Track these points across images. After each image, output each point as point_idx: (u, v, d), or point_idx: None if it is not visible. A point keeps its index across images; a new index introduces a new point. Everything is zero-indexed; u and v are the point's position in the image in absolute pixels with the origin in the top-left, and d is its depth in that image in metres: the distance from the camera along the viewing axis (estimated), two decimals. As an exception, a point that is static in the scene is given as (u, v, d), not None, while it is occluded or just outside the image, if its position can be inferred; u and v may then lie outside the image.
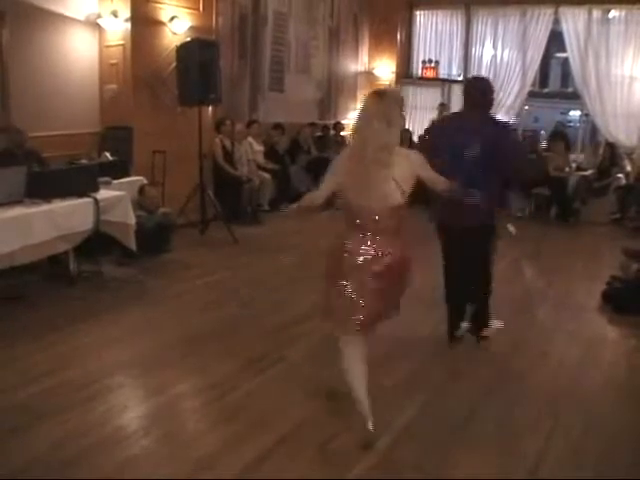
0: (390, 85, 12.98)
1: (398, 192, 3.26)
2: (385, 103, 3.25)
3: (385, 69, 12.98)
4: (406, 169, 3.30)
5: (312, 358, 4.51)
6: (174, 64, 7.71)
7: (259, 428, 3.54)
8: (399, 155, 3.30)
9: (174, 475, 3.08)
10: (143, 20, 7.65)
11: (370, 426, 3.39)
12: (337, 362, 3.51)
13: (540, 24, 11.77)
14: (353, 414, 3.71)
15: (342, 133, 11.97)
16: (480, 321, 4.78)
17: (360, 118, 3.30)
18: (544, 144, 11.51)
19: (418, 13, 13.15)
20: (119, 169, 6.87)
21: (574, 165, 10.64)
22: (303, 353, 4.60)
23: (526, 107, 13.47)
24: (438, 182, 3.51)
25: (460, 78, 12.74)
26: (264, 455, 3.27)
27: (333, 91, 12.10)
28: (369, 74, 13.08)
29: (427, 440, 3.50)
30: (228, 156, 8.88)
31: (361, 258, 3.31)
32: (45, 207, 5.39)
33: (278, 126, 10.25)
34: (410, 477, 3.18)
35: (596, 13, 11.12)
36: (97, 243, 5.92)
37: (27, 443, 3.30)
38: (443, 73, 12.83)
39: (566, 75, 20.39)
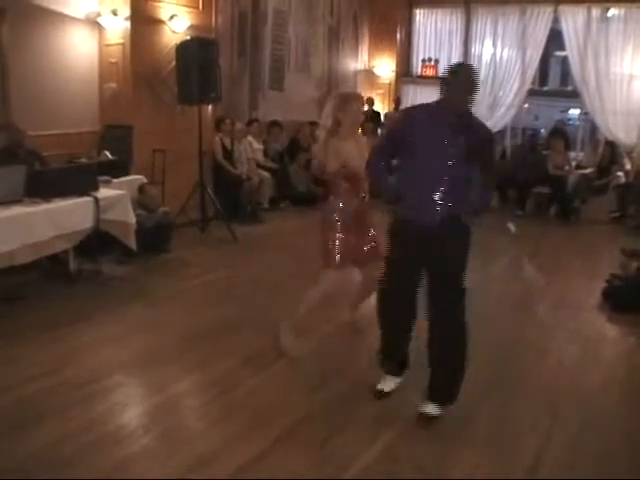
0: (390, 84, 13.00)
1: (326, 165, 4.42)
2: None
3: (385, 67, 12.98)
4: (330, 151, 4.34)
5: (311, 356, 4.51)
6: (174, 63, 7.70)
7: (259, 426, 3.55)
8: (336, 141, 4.35)
9: (175, 473, 3.09)
10: (143, 19, 7.65)
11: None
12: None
13: (540, 22, 11.78)
14: (353, 410, 3.73)
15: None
16: (445, 391, 3.71)
17: None
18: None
19: (418, 11, 13.16)
20: (119, 168, 6.87)
21: (574, 163, 10.65)
22: (301, 350, 4.60)
23: (526, 105, 13.47)
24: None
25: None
26: (264, 452, 3.28)
27: (333, 90, 12.08)
28: (369, 72, 13.09)
29: (427, 437, 3.51)
30: (228, 155, 8.88)
31: None
32: (45, 206, 5.39)
33: (275, 124, 10.24)
34: (409, 476, 3.18)
35: (595, 12, 11.14)
36: (97, 242, 5.92)
37: (27, 442, 3.30)
38: (443, 71, 12.81)
39: (565, 73, 20.31)
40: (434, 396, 3.68)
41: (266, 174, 9.49)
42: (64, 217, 5.48)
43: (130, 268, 6.41)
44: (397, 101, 12.58)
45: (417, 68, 13.16)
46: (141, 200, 6.87)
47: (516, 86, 12.18)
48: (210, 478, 3.06)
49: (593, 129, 12.34)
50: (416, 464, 3.26)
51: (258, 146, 9.72)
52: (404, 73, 13.20)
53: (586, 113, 12.07)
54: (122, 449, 3.28)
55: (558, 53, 19.66)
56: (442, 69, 12.21)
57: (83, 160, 6.76)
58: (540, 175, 10.15)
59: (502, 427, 3.67)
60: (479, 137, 3.64)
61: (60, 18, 7.22)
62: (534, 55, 12.01)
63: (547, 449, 3.44)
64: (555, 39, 12.71)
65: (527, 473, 3.23)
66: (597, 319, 5.64)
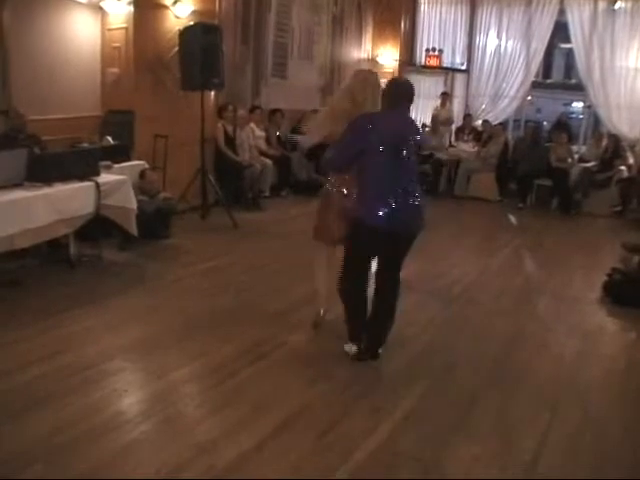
0: (393, 73, 12.93)
1: None
2: None
3: (388, 57, 12.91)
4: None
5: (311, 344, 4.51)
6: (177, 48, 7.65)
7: (258, 415, 3.54)
8: None
9: (175, 460, 3.08)
10: (146, 3, 7.59)
11: (321, 312, 4.76)
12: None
13: (545, 14, 11.71)
14: (353, 401, 3.73)
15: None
16: (382, 338, 4.35)
17: None
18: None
19: (422, 1, 13.08)
20: (120, 153, 6.84)
21: (576, 156, 10.62)
22: (302, 339, 4.60)
23: (529, 97, 13.43)
24: None
25: (464, 67, 12.70)
26: (263, 442, 3.27)
27: (336, 78, 12.03)
28: (372, 62, 13.02)
29: (426, 429, 3.50)
30: (230, 142, 8.85)
31: None
32: (46, 190, 5.36)
33: (276, 111, 10.20)
34: (408, 467, 3.18)
35: (602, 4, 11.05)
36: (98, 227, 5.90)
37: (25, 428, 3.29)
38: (446, 62, 12.78)
39: (569, 66, 20.34)
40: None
41: (268, 162, 9.46)
42: (65, 202, 5.45)
43: (130, 254, 6.40)
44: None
45: (421, 58, 13.09)
46: (142, 185, 6.86)
47: (520, 78, 12.13)
48: (211, 465, 3.06)
49: (596, 122, 12.29)
50: (415, 455, 3.26)
51: (260, 133, 9.69)
52: (407, 62, 13.13)
53: (589, 106, 12.02)
54: (121, 436, 3.27)
55: (562, 45, 19.62)
56: (445, 59, 12.27)
57: (85, 145, 6.73)
58: (542, 168, 10.14)
59: (502, 420, 3.67)
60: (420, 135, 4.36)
61: (62, 2, 7.16)
62: (539, 47, 11.94)
63: (546, 442, 3.44)
64: (560, 31, 12.66)
65: (526, 465, 3.22)
66: (598, 313, 5.64)
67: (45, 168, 5.50)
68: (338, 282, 4.29)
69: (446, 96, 12.36)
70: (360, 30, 12.62)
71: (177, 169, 7.74)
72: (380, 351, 4.32)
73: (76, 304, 5.01)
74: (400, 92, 4.19)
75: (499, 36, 12.34)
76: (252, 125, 9.47)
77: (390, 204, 3.95)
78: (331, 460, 3.16)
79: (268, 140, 9.95)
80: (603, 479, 3.18)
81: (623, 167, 10.32)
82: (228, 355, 4.27)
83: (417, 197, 4.07)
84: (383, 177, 4.00)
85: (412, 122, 4.37)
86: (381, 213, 3.96)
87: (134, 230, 6.13)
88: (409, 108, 4.34)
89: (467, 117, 12.31)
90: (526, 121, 12.79)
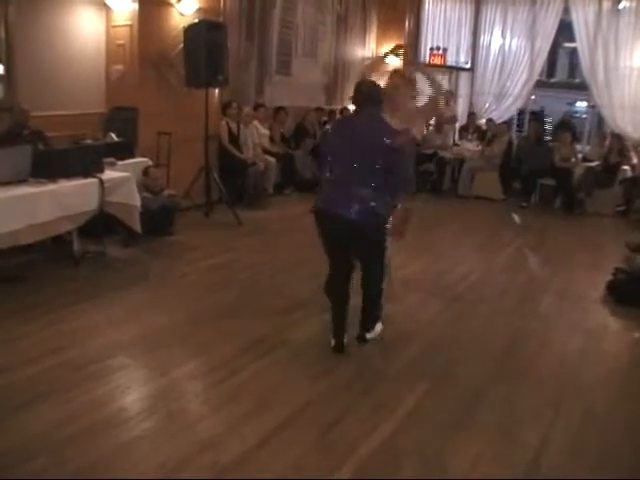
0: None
1: None
2: None
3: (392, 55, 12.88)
4: None
5: (314, 342, 4.51)
6: (181, 45, 7.67)
7: (261, 411, 3.55)
8: None
9: (177, 457, 3.09)
10: (151, 0, 7.59)
11: None
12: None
13: (549, 13, 11.68)
14: (356, 398, 3.73)
15: (348, 119, 11.92)
16: (365, 324, 4.54)
17: None
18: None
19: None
20: (124, 150, 6.85)
21: (580, 156, 10.60)
22: (305, 337, 4.60)
23: (533, 96, 13.42)
24: None
25: (468, 66, 12.68)
26: (267, 439, 3.28)
27: (340, 76, 12.03)
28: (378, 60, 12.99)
29: (428, 427, 3.51)
30: (234, 139, 8.85)
31: None
32: (50, 187, 5.38)
33: (280, 109, 10.22)
34: (411, 464, 3.18)
35: (606, 4, 11.00)
36: (101, 224, 5.91)
37: (27, 422, 3.31)
38: (451, 60, 12.76)
39: (574, 65, 20.29)
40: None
41: (272, 159, 9.46)
42: (69, 198, 5.48)
43: (134, 250, 6.42)
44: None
45: (425, 56, 13.06)
46: (145, 182, 6.87)
47: (524, 77, 12.10)
48: (215, 462, 3.06)
49: (600, 122, 12.27)
50: (418, 452, 3.26)
51: (264, 131, 9.69)
52: (412, 61, 13.11)
53: (593, 106, 12.00)
54: (124, 432, 3.28)
55: (567, 44, 19.58)
56: (450, 58, 12.27)
57: (89, 141, 6.74)
58: (546, 167, 10.13)
59: (505, 418, 3.67)
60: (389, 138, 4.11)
61: (68, -2, 7.17)
62: (543, 46, 11.92)
63: (549, 440, 3.44)
64: (564, 30, 12.62)
65: (529, 463, 3.23)
66: (601, 312, 5.63)
67: (49, 164, 5.53)
68: None
69: (450, 94, 12.34)
70: (364, 29, 12.59)
71: (181, 166, 7.75)
72: (368, 337, 4.49)
73: (79, 300, 5.03)
74: (361, 95, 4.24)
75: (503, 35, 12.31)
76: (256, 123, 9.46)
77: (340, 197, 4.11)
78: (334, 457, 3.17)
79: (272, 138, 9.96)
80: (604, 479, 3.19)
81: (627, 167, 10.30)
82: (231, 352, 4.28)
83: (370, 201, 4.07)
84: (336, 179, 4.19)
85: (381, 125, 4.21)
86: (329, 199, 4.19)
87: (138, 227, 6.16)
88: (378, 110, 4.26)
89: (471, 116, 12.30)
90: (529, 120, 12.76)
